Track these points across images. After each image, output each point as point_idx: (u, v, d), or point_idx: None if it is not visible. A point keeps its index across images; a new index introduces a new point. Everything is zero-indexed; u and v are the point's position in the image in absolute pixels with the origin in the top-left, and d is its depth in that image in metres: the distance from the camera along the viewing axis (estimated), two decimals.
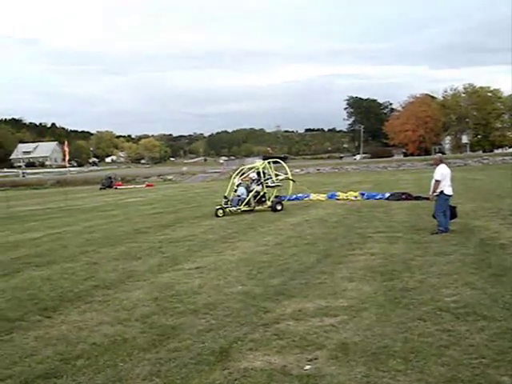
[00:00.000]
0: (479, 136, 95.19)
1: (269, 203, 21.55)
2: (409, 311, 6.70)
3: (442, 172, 13.02)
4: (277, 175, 23.25)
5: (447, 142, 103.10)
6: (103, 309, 7.68)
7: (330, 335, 5.98)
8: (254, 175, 22.18)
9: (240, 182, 22.03)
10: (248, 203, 21.14)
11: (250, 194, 21.22)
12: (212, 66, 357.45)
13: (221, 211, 20.24)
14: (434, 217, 13.39)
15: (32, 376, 5.31)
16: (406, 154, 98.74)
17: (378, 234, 13.45)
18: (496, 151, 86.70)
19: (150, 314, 7.21)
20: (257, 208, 21.38)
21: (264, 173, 22.20)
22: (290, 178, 23.91)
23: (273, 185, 22.34)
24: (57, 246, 14.76)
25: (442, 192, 12.92)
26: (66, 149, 36.05)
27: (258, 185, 21.69)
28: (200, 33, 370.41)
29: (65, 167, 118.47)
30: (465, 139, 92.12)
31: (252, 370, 5.10)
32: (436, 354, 5.27)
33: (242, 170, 23.81)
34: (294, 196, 25.29)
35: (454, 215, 13.30)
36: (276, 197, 22.18)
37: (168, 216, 21.47)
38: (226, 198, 21.02)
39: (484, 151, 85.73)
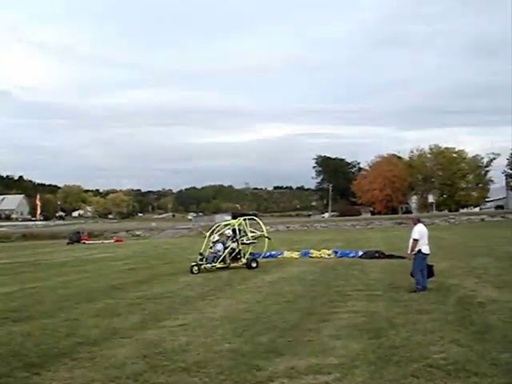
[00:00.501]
0: (445, 196, 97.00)
1: (244, 260, 21.57)
2: (400, 368, 6.84)
3: (420, 231, 13.38)
4: (252, 232, 23.47)
5: (414, 201, 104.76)
6: (91, 366, 7.62)
7: None
8: (229, 232, 22.20)
9: (218, 238, 22.03)
10: (223, 260, 21.12)
11: (226, 251, 21.23)
12: (183, 124, 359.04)
13: (196, 268, 20.18)
14: (411, 275, 13.62)
15: None
16: (373, 213, 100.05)
17: (356, 292, 13.63)
18: (461, 210, 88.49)
19: (141, 372, 7.18)
20: (232, 265, 21.35)
21: (239, 230, 22.30)
22: (266, 235, 24.12)
23: (248, 242, 22.41)
24: (32, 301, 14.50)
25: (419, 251, 13.25)
26: (38, 202, 35.92)
27: (234, 242, 21.74)
28: (172, 90, 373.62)
29: (31, 220, 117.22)
30: (431, 199, 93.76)
31: None
32: None
33: (218, 226, 23.85)
34: (268, 253, 25.39)
35: (431, 274, 13.58)
36: (251, 254, 22.27)
37: (142, 272, 21.31)
38: (201, 254, 20.99)
39: (450, 210, 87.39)
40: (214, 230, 23.20)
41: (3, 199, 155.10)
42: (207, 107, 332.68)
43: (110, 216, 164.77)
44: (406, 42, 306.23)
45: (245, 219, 23.48)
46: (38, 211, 35.23)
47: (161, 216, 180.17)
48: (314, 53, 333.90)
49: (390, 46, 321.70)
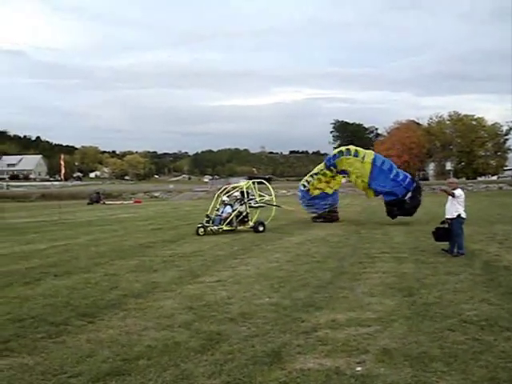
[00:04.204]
0: (463, 163, 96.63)
1: (251, 224, 21.62)
2: (436, 323, 7.26)
3: (462, 194, 13.69)
4: (261, 196, 23.49)
5: (431, 168, 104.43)
6: (142, 316, 8.08)
7: (369, 342, 6.51)
8: (237, 194, 22.31)
9: (226, 200, 21.98)
10: (230, 223, 21.13)
11: (233, 214, 21.24)
12: (199, 86, 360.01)
13: (202, 230, 20.25)
14: (449, 240, 13.85)
15: (101, 374, 5.70)
16: None
17: (383, 254, 14.01)
18: (479, 178, 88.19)
19: (190, 321, 7.64)
20: (239, 228, 21.39)
21: (248, 193, 22.32)
22: (274, 203, 24.04)
23: (256, 205, 22.48)
24: (67, 257, 15.03)
25: (459, 215, 13.54)
26: (62, 162, 36.53)
27: (242, 204, 21.79)
28: (188, 52, 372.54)
29: (49, 181, 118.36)
30: (448, 166, 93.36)
31: (309, 371, 5.61)
32: (473, 359, 5.85)
33: (225, 188, 23.82)
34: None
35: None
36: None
37: (169, 232, 21.79)
38: (208, 216, 21.03)
39: (467, 178, 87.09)
40: (222, 191, 23.19)
41: (21, 159, 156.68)
42: (222, 70, 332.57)
43: (127, 177, 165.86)
44: (429, 4, 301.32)
45: (254, 182, 23.52)
46: (63, 171, 35.85)
47: (176, 178, 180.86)
48: (332, 15, 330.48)
49: (412, 9, 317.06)
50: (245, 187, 22.36)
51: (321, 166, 25.29)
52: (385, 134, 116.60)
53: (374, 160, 23.22)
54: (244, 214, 21.70)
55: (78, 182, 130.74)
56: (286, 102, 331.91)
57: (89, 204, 56.71)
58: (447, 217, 13.82)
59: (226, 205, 21.78)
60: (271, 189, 24.70)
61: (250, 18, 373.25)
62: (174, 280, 11.02)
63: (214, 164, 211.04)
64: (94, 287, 10.51)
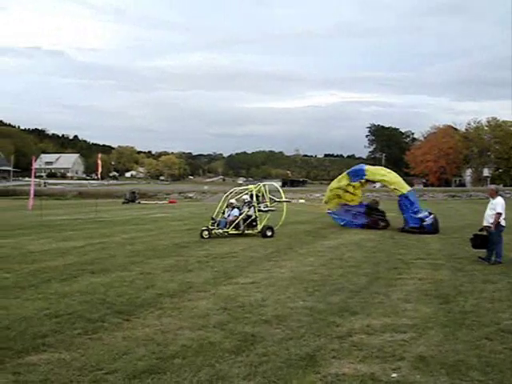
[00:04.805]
0: (500, 170, 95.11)
1: (259, 228, 20.87)
2: (473, 331, 7.17)
3: (503, 204, 13.33)
4: (271, 199, 22.75)
5: (468, 174, 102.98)
6: (177, 315, 8.15)
7: (405, 349, 6.46)
8: (246, 197, 21.57)
9: (234, 203, 21.37)
10: (237, 226, 20.51)
11: (240, 217, 20.59)
12: (234, 88, 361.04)
13: (206, 233, 19.69)
14: (487, 248, 13.60)
15: (136, 371, 5.77)
16: (425, 185, 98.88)
17: (419, 260, 13.91)
18: None
19: (225, 322, 7.69)
20: (246, 232, 20.70)
21: (257, 196, 21.70)
22: (284, 200, 23.60)
23: (265, 209, 21.67)
24: (104, 255, 15.24)
25: (498, 223, 13.26)
26: (99, 161, 37.14)
27: (250, 208, 21.08)
28: (223, 54, 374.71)
29: (85, 179, 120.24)
30: (486, 172, 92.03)
31: (343, 375, 5.59)
32: (511, 369, 5.74)
33: (233, 190, 23.09)
34: None
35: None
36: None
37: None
38: (213, 219, 20.51)
39: (505, 185, 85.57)
40: (230, 193, 22.56)
41: (59, 158, 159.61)
42: (258, 72, 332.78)
43: (162, 178, 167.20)
44: (468, 9, 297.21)
45: (264, 185, 22.91)
46: (99, 170, 36.67)
47: (211, 179, 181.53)
48: (367, 19, 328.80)
49: (451, 14, 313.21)
50: (254, 190, 21.77)
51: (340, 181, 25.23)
52: (421, 138, 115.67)
53: (408, 193, 23.11)
54: (252, 217, 20.96)
55: (114, 182, 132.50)
56: (321, 105, 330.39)
57: (124, 203, 57.33)
58: (486, 224, 13.54)
59: (234, 208, 21.16)
60: (282, 193, 24.31)
61: (288, 22, 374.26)
62: (209, 280, 11.09)
63: (249, 166, 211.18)
64: (129, 285, 10.63)
